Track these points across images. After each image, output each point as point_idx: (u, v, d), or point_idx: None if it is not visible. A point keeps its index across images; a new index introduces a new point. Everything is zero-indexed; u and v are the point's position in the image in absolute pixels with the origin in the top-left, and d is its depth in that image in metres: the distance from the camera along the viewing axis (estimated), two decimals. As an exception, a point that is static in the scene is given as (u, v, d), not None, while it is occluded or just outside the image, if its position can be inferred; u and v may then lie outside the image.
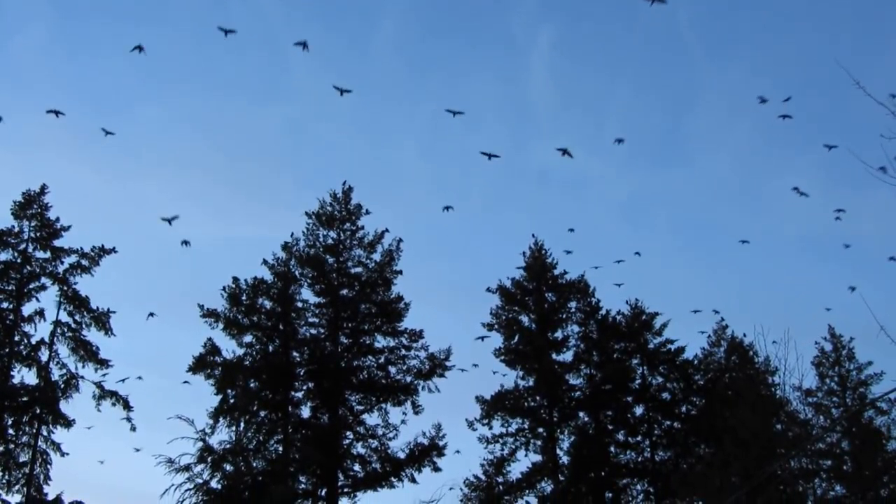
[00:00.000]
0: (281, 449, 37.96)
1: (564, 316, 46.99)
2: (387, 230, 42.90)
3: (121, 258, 42.70)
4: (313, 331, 41.35)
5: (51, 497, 37.65)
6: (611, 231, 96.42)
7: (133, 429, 39.38)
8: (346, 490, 38.66)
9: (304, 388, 40.31)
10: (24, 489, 37.35)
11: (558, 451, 43.80)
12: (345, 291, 42.06)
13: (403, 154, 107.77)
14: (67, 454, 38.70)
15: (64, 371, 39.19)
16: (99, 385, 39.21)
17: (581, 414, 45.26)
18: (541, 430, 44.38)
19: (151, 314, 41.13)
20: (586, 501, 42.89)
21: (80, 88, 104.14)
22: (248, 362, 39.19)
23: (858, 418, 42.75)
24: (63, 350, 39.51)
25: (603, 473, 43.59)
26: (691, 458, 43.25)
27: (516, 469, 43.81)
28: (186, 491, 26.79)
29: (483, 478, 43.20)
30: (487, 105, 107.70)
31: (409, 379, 40.96)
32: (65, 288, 40.08)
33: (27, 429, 38.30)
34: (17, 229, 40.54)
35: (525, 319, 46.86)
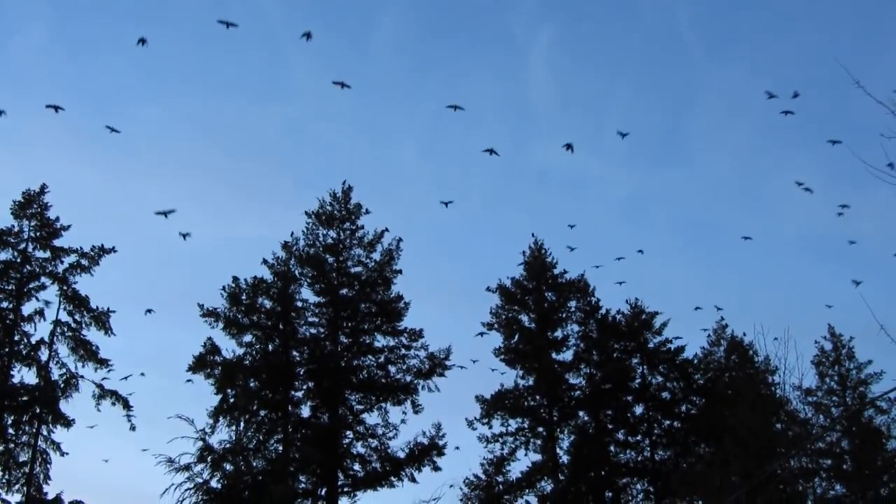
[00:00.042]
0: (281, 448, 37.97)
1: (564, 315, 47.00)
2: (386, 229, 42.98)
3: (120, 258, 42.75)
4: (313, 330, 41.38)
5: (50, 496, 37.65)
6: (611, 230, 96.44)
7: (133, 428, 39.40)
8: (346, 489, 38.67)
9: (304, 387, 40.33)
10: (24, 488, 37.35)
11: (558, 450, 43.81)
12: (345, 291, 42.06)
13: (403, 154, 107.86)
14: (67, 454, 38.74)
15: (64, 370, 39.22)
16: (99, 385, 39.23)
17: (581, 413, 45.27)
18: (541, 429, 44.38)
19: (149, 310, 40.97)
20: (586, 501, 42.90)
21: (80, 88, 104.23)
22: (247, 362, 39.20)
23: (858, 417, 42.75)
24: (63, 349, 39.56)
25: (603, 473, 43.59)
26: (691, 457, 43.27)
27: (516, 468, 43.87)
28: (186, 490, 26.78)
29: (483, 477, 43.20)
30: (487, 105, 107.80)
31: (408, 378, 40.99)
32: (65, 287, 40.07)
33: (27, 428, 38.30)
34: (16, 229, 40.55)
35: (525, 319, 46.88)
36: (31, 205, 40.97)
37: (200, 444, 27.76)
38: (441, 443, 39.56)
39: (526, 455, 44.08)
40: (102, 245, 40.81)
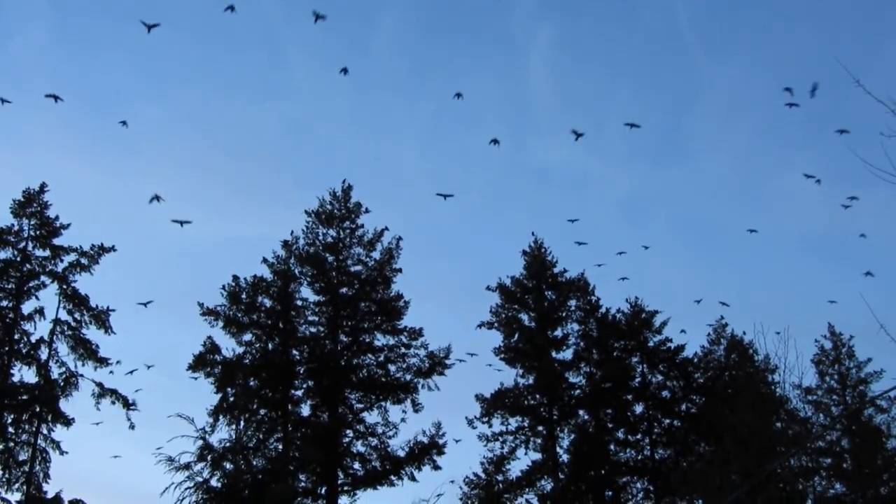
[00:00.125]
0: (281, 447, 37.96)
1: (564, 314, 46.99)
2: (386, 228, 42.99)
3: (120, 256, 42.74)
4: (313, 329, 41.38)
5: (50, 495, 37.64)
6: (611, 229, 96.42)
7: (132, 427, 39.36)
8: (345, 488, 38.68)
9: (304, 386, 40.34)
10: (24, 487, 37.34)
11: (558, 449, 43.81)
12: (344, 290, 42.06)
13: (403, 153, 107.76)
14: (67, 452, 38.73)
15: (63, 369, 39.20)
16: (99, 383, 39.21)
17: (581, 412, 45.27)
18: (540, 428, 44.38)
19: (146, 303, 40.63)
20: (586, 500, 42.89)
21: (80, 87, 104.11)
22: (247, 360, 39.20)
23: (858, 416, 42.77)
24: (63, 348, 39.53)
25: (603, 472, 43.58)
26: (691, 456, 43.26)
27: (516, 467, 43.87)
28: (186, 489, 26.85)
29: (483, 476, 43.20)
30: (487, 104, 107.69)
31: (408, 377, 40.99)
32: (64, 286, 40.05)
33: (27, 427, 38.29)
34: (16, 227, 40.53)
35: (525, 318, 46.87)
36: (30, 203, 40.94)
37: (200, 442, 27.81)
38: (441, 442, 39.63)
39: (526, 454, 44.17)
40: (102, 244, 40.83)
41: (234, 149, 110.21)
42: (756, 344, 43.55)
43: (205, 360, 38.61)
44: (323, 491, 38.44)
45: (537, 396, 44.97)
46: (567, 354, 46.36)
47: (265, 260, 41.52)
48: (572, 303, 47.28)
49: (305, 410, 40.25)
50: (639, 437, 45.21)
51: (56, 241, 40.67)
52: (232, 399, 37.73)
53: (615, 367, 45.44)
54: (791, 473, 32.31)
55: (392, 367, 41.21)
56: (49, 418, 38.31)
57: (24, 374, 38.97)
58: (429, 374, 41.00)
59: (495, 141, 35.31)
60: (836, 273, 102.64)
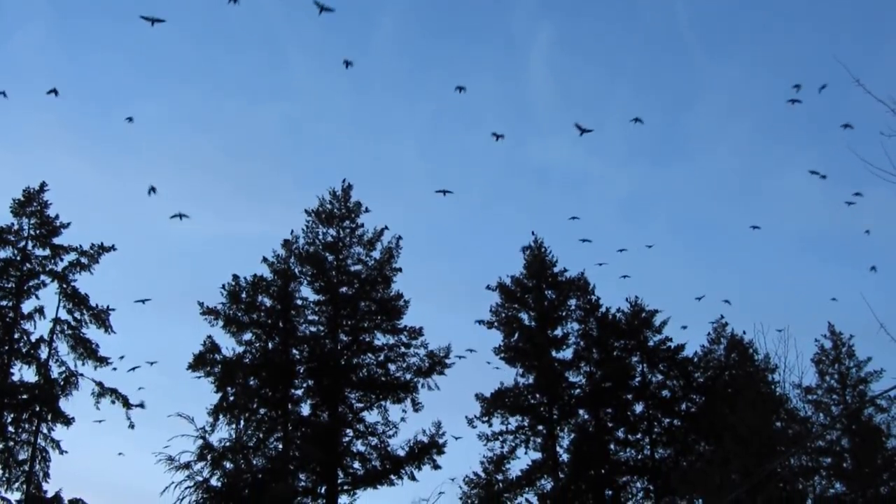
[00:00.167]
0: (281, 447, 37.96)
1: (564, 313, 46.98)
2: (386, 227, 43.00)
3: (120, 256, 42.72)
4: (313, 328, 41.38)
5: (50, 495, 37.65)
6: (611, 229, 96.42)
7: (132, 426, 39.36)
8: (345, 488, 38.68)
9: (304, 385, 40.35)
10: (24, 486, 37.34)
11: (558, 448, 43.81)
12: (344, 289, 42.06)
13: (403, 152, 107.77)
14: (66, 452, 38.73)
15: (63, 369, 39.21)
16: (98, 383, 39.21)
17: (581, 411, 45.26)
18: (541, 427, 44.37)
19: (143, 300, 40.47)
20: (586, 499, 42.87)
21: (80, 86, 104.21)
22: (247, 360, 39.19)
23: (858, 416, 42.76)
24: (63, 347, 39.55)
25: (603, 471, 43.57)
26: (691, 455, 43.26)
27: (516, 466, 43.90)
28: (186, 489, 26.85)
29: (483, 475, 43.19)
30: (487, 103, 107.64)
31: (408, 376, 40.99)
32: (64, 285, 40.05)
33: (27, 426, 38.28)
34: (16, 227, 40.53)
35: (525, 317, 46.87)
36: (30, 203, 40.94)
37: (200, 442, 27.79)
38: (441, 441, 39.63)
39: (526, 453, 44.17)
40: (102, 243, 40.84)
41: (235, 148, 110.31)
42: (756, 343, 43.68)
43: (205, 360, 38.61)
44: (323, 490, 38.44)
45: (537, 396, 44.96)
46: (567, 354, 46.44)
47: (265, 259, 41.57)
48: (572, 302, 47.29)
49: (305, 410, 40.31)
50: (639, 436, 45.21)
51: (56, 241, 40.69)
52: (232, 398, 37.73)
53: (615, 366, 45.43)
54: (791, 473, 32.30)
55: (392, 367, 41.25)
56: (49, 418, 38.31)
57: (24, 373, 39.06)
58: (429, 373, 41.00)
59: (499, 135, 34.11)
60: (837, 272, 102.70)
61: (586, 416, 45.11)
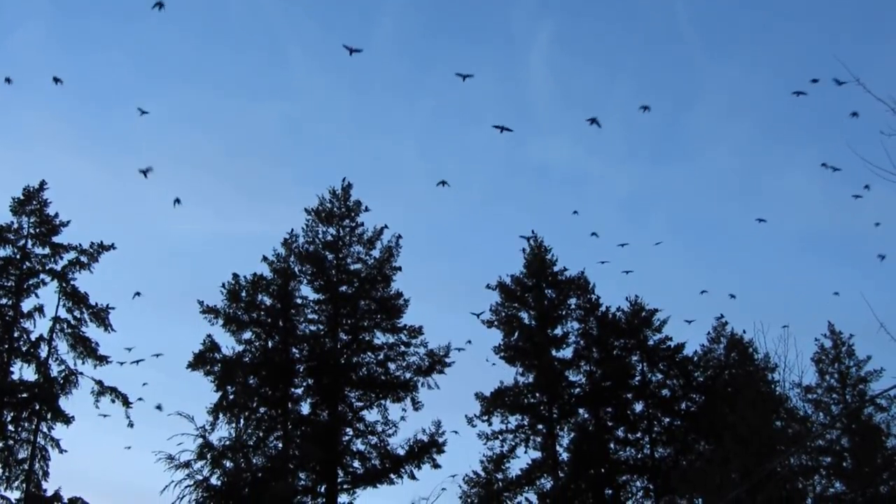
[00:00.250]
0: (281, 445, 37.96)
1: (564, 312, 46.97)
2: (386, 226, 43.03)
3: (120, 254, 42.73)
4: (313, 327, 41.40)
5: (49, 493, 37.65)
6: (611, 228, 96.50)
7: (131, 425, 39.36)
8: (345, 486, 38.68)
9: (304, 384, 40.35)
10: (24, 485, 37.35)
11: (558, 447, 43.80)
12: (344, 288, 42.05)
13: (403, 151, 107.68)
14: (66, 451, 38.75)
15: (63, 367, 39.22)
16: (98, 381, 39.22)
17: (581, 410, 45.26)
18: (540, 426, 44.36)
19: (137, 293, 40.32)
20: (586, 498, 42.87)
21: (80, 85, 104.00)
22: (247, 359, 39.20)
23: (858, 415, 42.74)
24: (62, 346, 39.59)
25: (603, 470, 43.57)
26: (691, 454, 43.25)
27: (516, 466, 43.86)
28: (186, 487, 26.78)
29: (483, 474, 43.18)
30: (487, 102, 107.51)
31: (408, 375, 41.00)
32: (64, 284, 40.04)
33: (26, 425, 38.31)
34: (16, 225, 40.55)
35: (525, 316, 46.86)
36: (30, 201, 40.94)
37: (200, 441, 27.75)
38: (441, 440, 39.63)
39: (526, 452, 44.16)
40: (102, 242, 40.87)
41: (235, 147, 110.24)
42: (756, 342, 43.63)
43: (205, 358, 38.62)
44: (323, 489, 38.44)
45: (537, 395, 44.95)
46: (567, 353, 46.43)
47: (265, 258, 41.57)
48: (572, 301, 47.27)
49: (305, 409, 40.32)
50: (639, 435, 45.21)
51: (56, 239, 40.72)
52: (232, 397, 37.75)
53: (615, 365, 45.43)
54: (791, 472, 32.27)
55: (392, 366, 41.26)
56: (48, 416, 38.32)
57: (24, 371, 39.12)
58: (428, 372, 41.01)
59: (505, 128, 31.24)
60: (837, 272, 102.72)
61: (586, 416, 45.11)
